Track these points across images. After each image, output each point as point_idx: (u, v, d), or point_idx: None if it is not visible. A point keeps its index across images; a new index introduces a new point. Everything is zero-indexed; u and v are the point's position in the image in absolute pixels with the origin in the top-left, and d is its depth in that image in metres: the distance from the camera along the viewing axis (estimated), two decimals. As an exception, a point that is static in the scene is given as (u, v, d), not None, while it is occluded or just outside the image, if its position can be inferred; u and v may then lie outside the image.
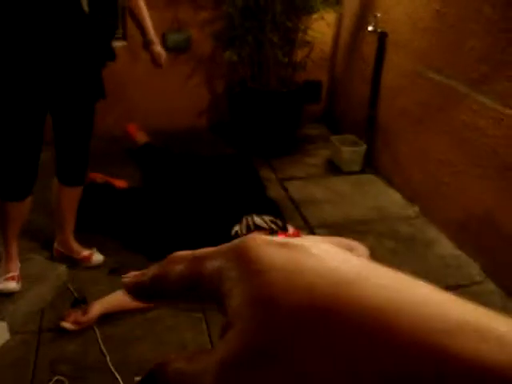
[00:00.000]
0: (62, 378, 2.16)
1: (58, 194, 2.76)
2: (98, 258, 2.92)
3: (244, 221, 2.83)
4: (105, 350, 2.31)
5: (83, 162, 2.72)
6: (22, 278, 2.59)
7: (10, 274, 2.53)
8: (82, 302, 2.58)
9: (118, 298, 2.50)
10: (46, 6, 2.22)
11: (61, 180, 2.72)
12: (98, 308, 2.42)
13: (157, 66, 2.97)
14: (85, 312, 2.40)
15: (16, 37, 2.23)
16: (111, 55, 2.52)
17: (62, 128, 2.56)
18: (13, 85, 2.29)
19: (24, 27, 2.22)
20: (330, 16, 4.51)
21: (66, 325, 2.36)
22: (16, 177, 2.46)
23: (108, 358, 2.26)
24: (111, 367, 2.21)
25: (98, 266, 2.88)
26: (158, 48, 2.92)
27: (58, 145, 2.63)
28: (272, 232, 2.79)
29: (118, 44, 4.49)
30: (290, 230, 2.87)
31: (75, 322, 2.37)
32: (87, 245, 2.94)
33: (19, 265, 2.63)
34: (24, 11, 2.19)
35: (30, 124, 2.38)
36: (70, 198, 2.78)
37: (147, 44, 2.91)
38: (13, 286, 2.50)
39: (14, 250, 2.62)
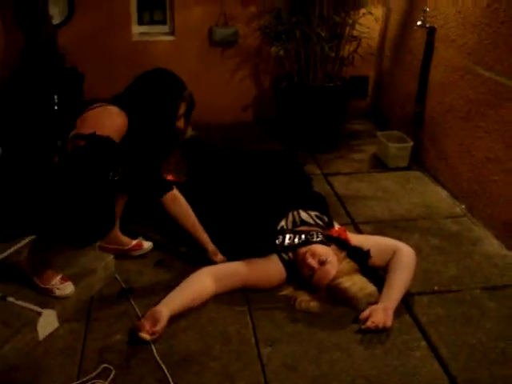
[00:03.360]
0: (108, 366, 2.20)
1: None
2: (148, 244, 3.00)
3: (290, 216, 2.82)
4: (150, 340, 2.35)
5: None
6: (72, 266, 2.63)
7: (60, 276, 2.49)
8: (128, 292, 2.63)
9: (182, 299, 2.49)
10: None
11: None
12: (166, 313, 2.38)
13: None
14: (155, 321, 2.34)
15: None
16: None
17: None
18: None
19: None
20: (378, 11, 4.49)
21: (146, 336, 2.30)
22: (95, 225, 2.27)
23: (153, 348, 2.30)
24: (156, 356, 2.25)
25: (143, 257, 2.95)
26: (221, 256, 2.85)
27: None
28: (318, 227, 2.78)
29: (165, 39, 4.56)
30: (336, 226, 2.86)
31: (152, 333, 2.32)
32: (132, 237, 3.00)
33: None
34: None
35: None
36: (117, 205, 2.78)
37: (209, 256, 2.85)
38: (71, 288, 2.48)
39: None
